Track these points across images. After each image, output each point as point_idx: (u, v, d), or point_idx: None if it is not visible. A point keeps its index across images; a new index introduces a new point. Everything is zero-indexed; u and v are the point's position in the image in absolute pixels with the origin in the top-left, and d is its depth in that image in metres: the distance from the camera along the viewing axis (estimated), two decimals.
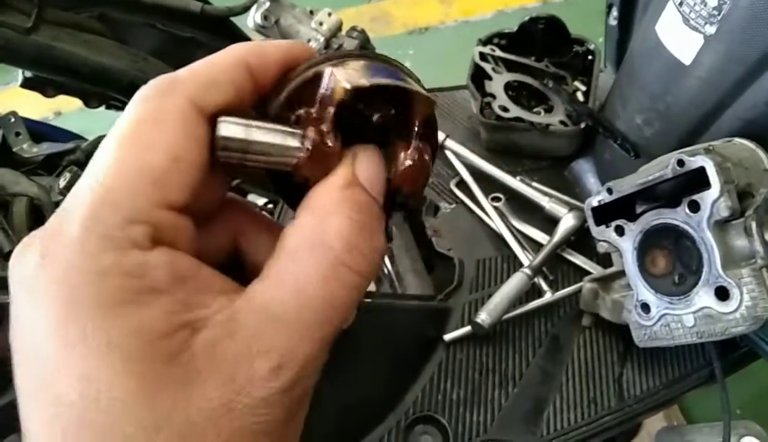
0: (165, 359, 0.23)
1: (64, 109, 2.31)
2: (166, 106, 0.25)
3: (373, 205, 0.27)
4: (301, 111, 0.27)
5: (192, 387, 0.23)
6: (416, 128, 0.29)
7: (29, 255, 0.23)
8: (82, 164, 0.87)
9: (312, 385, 0.26)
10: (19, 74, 0.88)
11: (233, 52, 0.28)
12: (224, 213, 0.30)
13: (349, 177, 0.26)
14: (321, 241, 0.25)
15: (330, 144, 0.26)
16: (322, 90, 0.26)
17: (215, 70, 0.27)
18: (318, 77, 0.27)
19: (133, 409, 0.22)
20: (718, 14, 0.70)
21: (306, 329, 0.25)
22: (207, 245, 0.27)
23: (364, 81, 0.26)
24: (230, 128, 0.25)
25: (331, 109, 0.26)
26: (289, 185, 0.28)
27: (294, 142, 0.26)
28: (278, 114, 0.27)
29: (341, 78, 0.26)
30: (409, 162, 0.29)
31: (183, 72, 0.26)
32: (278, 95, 0.28)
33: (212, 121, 0.26)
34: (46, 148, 0.95)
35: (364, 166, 0.27)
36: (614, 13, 1.06)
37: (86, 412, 0.22)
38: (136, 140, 0.24)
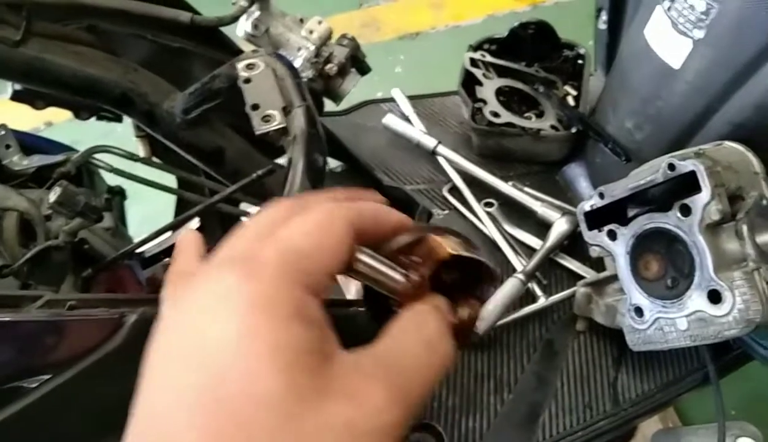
0: (312, 372, 0.28)
1: (55, 120, 2.30)
2: (338, 214, 0.35)
3: (447, 323, 0.36)
4: (406, 259, 0.38)
5: (325, 401, 0.28)
6: (479, 293, 0.41)
7: (225, 273, 0.31)
8: (72, 177, 0.87)
9: (403, 439, 0.31)
10: (8, 87, 0.87)
11: (373, 204, 0.39)
12: None
13: (438, 302, 0.37)
14: (423, 327, 0.35)
15: (425, 285, 0.37)
16: (429, 249, 0.37)
17: (363, 207, 0.37)
18: (427, 240, 0.38)
19: (278, 408, 0.27)
20: (706, 18, 0.70)
21: (413, 378, 0.32)
22: None
23: (465, 253, 0.38)
24: (366, 257, 0.36)
25: (433, 264, 0.37)
26: (378, 302, 0.39)
27: (401, 278, 0.37)
28: (389, 255, 0.38)
29: (447, 245, 0.37)
30: (466, 315, 0.40)
31: (348, 202, 0.38)
32: (393, 244, 0.38)
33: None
34: (37, 160, 0.94)
35: (441, 304, 0.38)
36: (603, 17, 1.06)
37: (238, 406, 0.27)
38: (322, 227, 0.34)
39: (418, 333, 0.34)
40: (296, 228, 0.34)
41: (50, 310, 0.43)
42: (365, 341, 0.33)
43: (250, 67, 0.65)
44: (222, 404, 0.27)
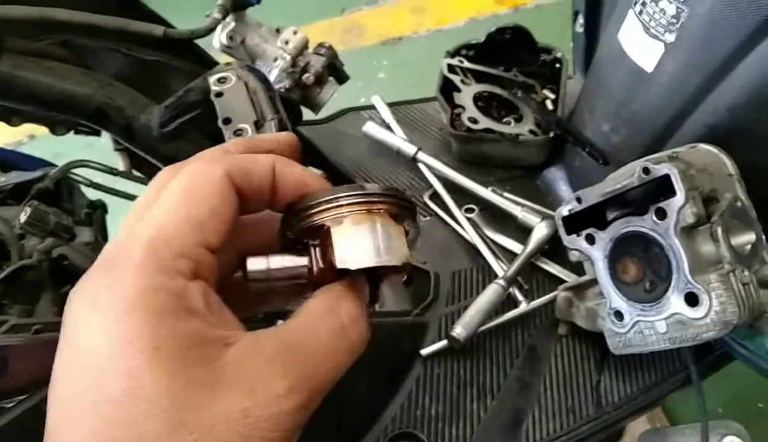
0: (199, 364, 0.28)
1: (38, 132, 2.28)
2: (210, 174, 0.33)
3: (363, 304, 0.36)
4: (309, 242, 0.35)
5: (218, 392, 0.28)
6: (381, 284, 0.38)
7: (95, 279, 0.30)
8: (49, 193, 0.86)
9: (305, 420, 0.31)
10: None
11: (268, 158, 0.36)
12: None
13: (350, 284, 0.35)
14: (334, 310, 0.34)
15: (326, 274, 0.35)
16: (329, 245, 0.34)
17: (250, 161, 0.35)
18: (322, 227, 0.34)
19: (165, 404, 0.27)
20: (677, 22, 0.70)
21: (318, 364, 0.31)
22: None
23: (351, 265, 0.34)
24: (255, 263, 0.34)
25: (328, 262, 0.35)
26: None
27: (302, 265, 0.35)
28: (294, 237, 0.36)
29: (338, 255, 0.33)
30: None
31: (229, 157, 0.35)
32: (293, 225, 0.36)
33: (238, 191, 0.34)
34: (15, 177, 0.93)
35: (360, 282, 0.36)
36: (580, 20, 1.07)
37: (123, 407, 0.26)
38: (188, 196, 0.32)
39: (330, 317, 0.33)
40: (163, 204, 0.32)
41: (16, 335, 0.42)
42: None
43: (221, 80, 0.65)
44: (107, 410, 0.27)
